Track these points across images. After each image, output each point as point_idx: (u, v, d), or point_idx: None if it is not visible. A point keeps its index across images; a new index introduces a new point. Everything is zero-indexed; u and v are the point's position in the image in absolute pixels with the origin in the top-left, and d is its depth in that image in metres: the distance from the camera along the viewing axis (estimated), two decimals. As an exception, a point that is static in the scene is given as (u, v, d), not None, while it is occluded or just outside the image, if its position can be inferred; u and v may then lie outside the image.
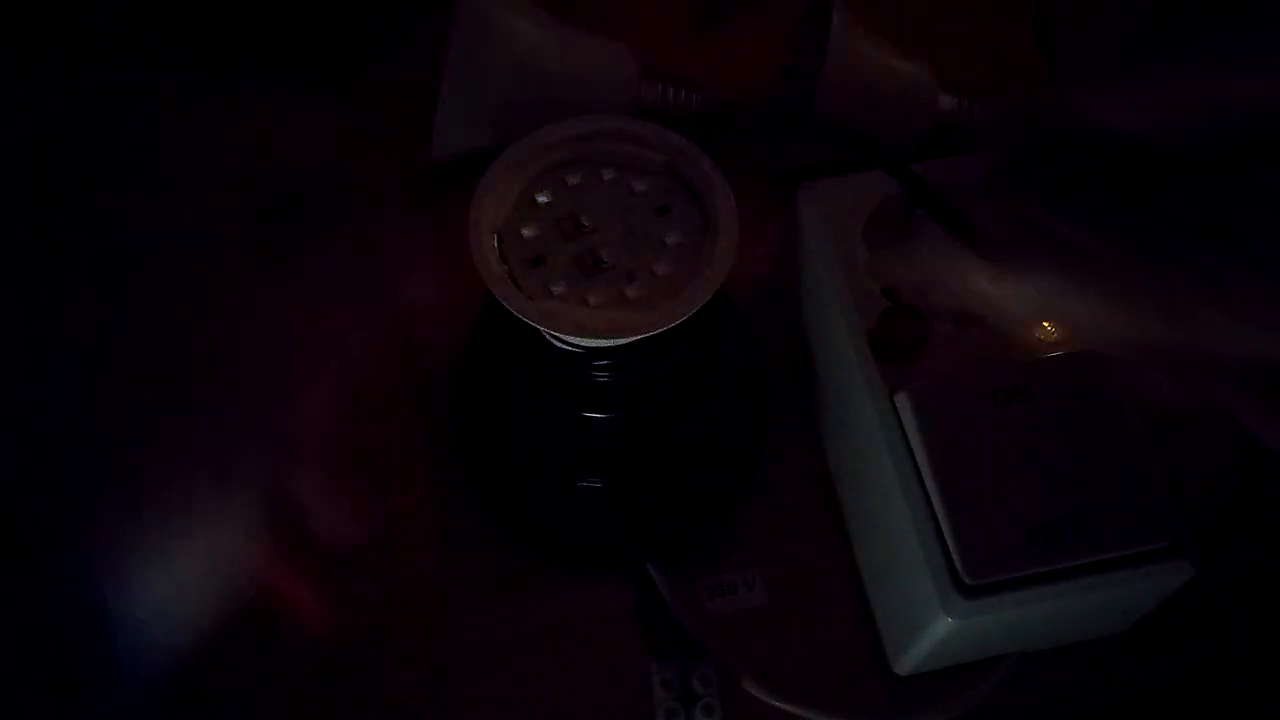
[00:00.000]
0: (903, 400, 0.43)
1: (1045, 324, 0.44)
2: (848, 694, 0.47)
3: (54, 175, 0.23)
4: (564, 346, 0.35)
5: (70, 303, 0.23)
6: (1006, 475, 0.41)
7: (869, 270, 0.45)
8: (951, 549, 0.40)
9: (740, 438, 0.50)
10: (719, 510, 0.49)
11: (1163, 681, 0.48)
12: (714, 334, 0.42)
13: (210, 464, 0.24)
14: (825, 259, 0.46)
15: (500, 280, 0.33)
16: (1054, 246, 0.29)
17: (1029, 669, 0.47)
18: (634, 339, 0.33)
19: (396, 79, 0.57)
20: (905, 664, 0.45)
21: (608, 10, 0.60)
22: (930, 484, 0.41)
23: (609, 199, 0.34)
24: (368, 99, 0.57)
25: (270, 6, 0.57)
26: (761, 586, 0.49)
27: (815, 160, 0.51)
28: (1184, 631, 0.48)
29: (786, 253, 0.51)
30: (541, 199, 0.34)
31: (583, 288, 0.33)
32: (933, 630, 0.42)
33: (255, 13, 0.56)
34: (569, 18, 0.54)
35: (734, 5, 0.61)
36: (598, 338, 0.33)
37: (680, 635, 0.47)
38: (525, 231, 0.34)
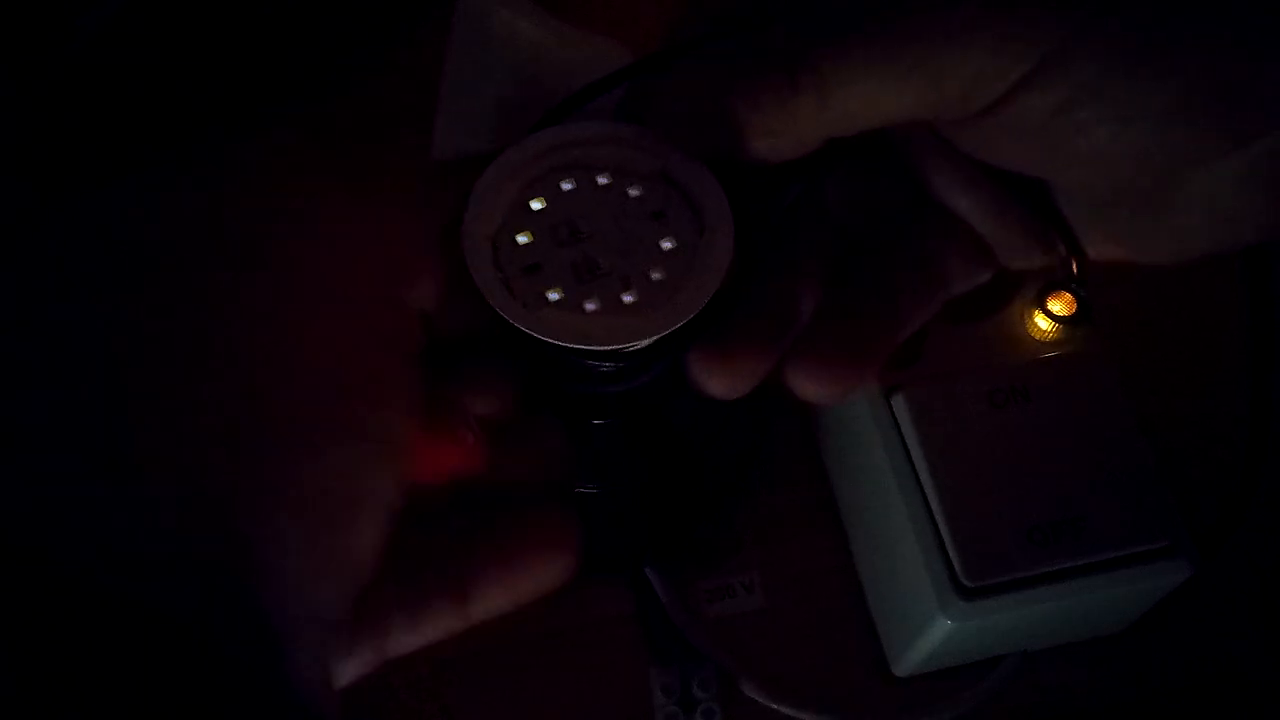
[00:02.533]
0: (900, 402, 0.43)
1: (1041, 321, 0.44)
2: (847, 696, 0.47)
3: None
4: (561, 353, 0.35)
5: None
6: (1004, 476, 0.41)
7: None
8: (950, 551, 0.40)
9: (738, 441, 0.50)
10: (717, 513, 0.49)
11: (1163, 680, 0.48)
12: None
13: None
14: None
15: (495, 288, 0.33)
16: None
17: (1028, 668, 0.47)
18: (631, 345, 0.33)
19: (396, 79, 0.57)
20: (905, 665, 0.45)
21: (608, 11, 0.60)
22: (928, 485, 0.41)
23: (604, 204, 0.34)
24: (366, 100, 0.57)
25: (268, 7, 0.57)
26: (760, 589, 0.49)
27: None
28: (1184, 630, 0.48)
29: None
30: (535, 205, 0.34)
31: (579, 294, 0.33)
32: (932, 632, 0.42)
33: (252, 13, 0.56)
34: (569, 18, 0.54)
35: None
36: (595, 344, 0.33)
37: (679, 639, 0.47)
38: (520, 238, 0.34)
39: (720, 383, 0.31)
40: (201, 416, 0.21)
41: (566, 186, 0.34)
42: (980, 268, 0.33)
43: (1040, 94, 0.27)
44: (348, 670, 0.28)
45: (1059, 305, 0.44)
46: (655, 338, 0.33)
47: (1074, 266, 0.34)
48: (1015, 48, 0.27)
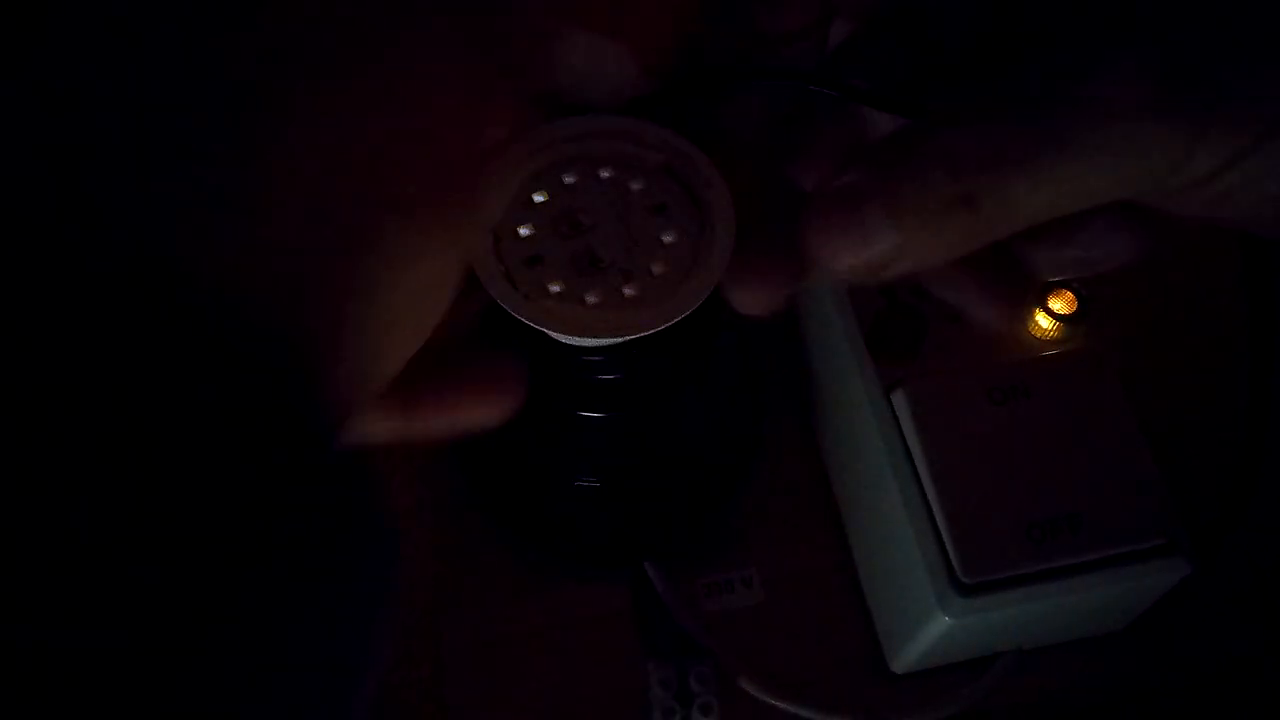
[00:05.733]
0: (900, 399, 0.43)
1: (1042, 320, 0.44)
2: (845, 692, 0.47)
3: None
4: (562, 346, 0.35)
5: None
6: (1003, 473, 0.41)
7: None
8: (949, 547, 0.40)
9: (737, 436, 0.50)
10: (716, 509, 0.49)
11: (1161, 678, 0.48)
12: (711, 333, 0.42)
13: None
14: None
15: (497, 280, 0.33)
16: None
17: (1026, 666, 0.47)
18: (631, 338, 0.33)
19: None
20: (903, 662, 0.45)
21: (608, 11, 0.60)
22: (927, 482, 0.41)
23: (606, 198, 0.34)
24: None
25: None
26: (759, 585, 0.49)
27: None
28: (1182, 629, 0.48)
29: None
30: (538, 198, 0.34)
31: (580, 287, 0.33)
32: (930, 628, 0.42)
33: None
34: (568, 18, 0.54)
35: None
36: (595, 337, 0.33)
37: (677, 634, 0.47)
38: (522, 230, 0.34)
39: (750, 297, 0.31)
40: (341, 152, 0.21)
41: (569, 180, 0.35)
42: None
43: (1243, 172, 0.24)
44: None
45: (1060, 304, 0.44)
46: (655, 330, 0.33)
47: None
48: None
